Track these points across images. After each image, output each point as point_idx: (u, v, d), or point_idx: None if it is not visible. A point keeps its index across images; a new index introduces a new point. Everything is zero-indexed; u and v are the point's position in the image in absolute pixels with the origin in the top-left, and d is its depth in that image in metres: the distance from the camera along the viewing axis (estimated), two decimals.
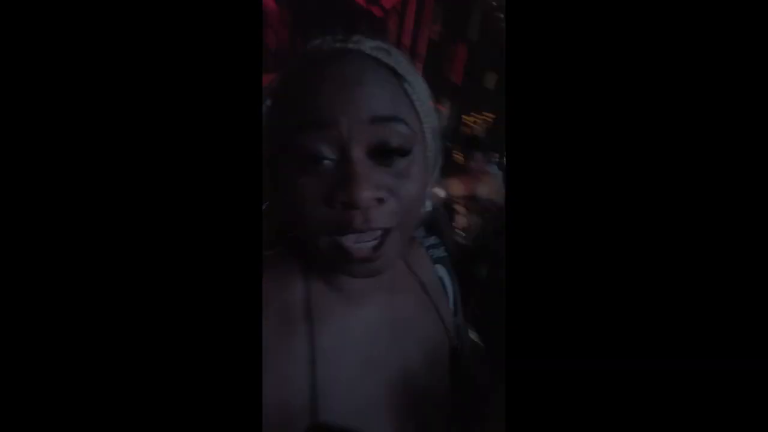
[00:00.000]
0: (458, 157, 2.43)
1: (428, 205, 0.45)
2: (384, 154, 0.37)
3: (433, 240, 0.61)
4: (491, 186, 2.16)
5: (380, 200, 0.37)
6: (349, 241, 0.38)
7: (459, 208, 2.11)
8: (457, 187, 2.14)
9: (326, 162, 0.37)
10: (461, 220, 2.09)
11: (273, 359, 0.41)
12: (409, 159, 0.38)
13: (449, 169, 2.20)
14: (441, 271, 0.59)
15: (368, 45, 0.39)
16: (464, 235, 2.02)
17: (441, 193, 2.04)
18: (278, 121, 0.39)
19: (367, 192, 0.35)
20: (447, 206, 2.07)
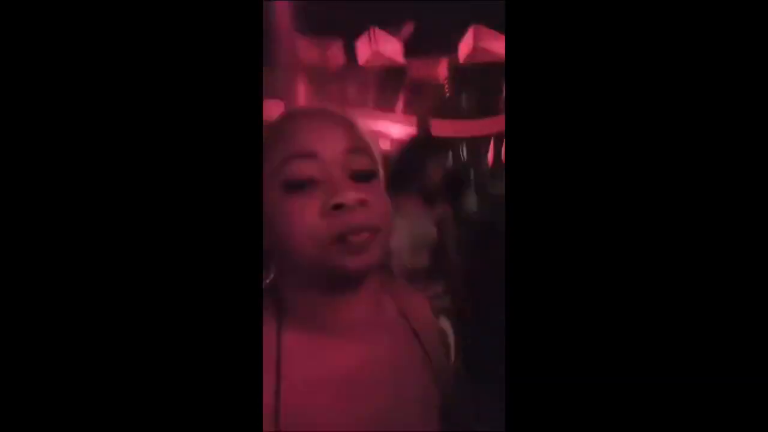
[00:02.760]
0: None
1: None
2: (356, 176, 0.46)
3: (437, 289, 0.63)
4: None
5: (363, 202, 0.44)
6: (346, 240, 0.43)
7: None
8: None
9: (312, 183, 0.45)
10: None
11: None
12: (376, 183, 0.48)
13: None
14: (445, 323, 0.62)
15: (332, 108, 0.51)
16: None
17: None
18: (269, 161, 0.47)
19: (353, 192, 0.43)
20: None
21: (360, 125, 0.51)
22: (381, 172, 0.51)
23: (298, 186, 0.44)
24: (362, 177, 0.46)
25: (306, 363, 0.46)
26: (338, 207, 0.43)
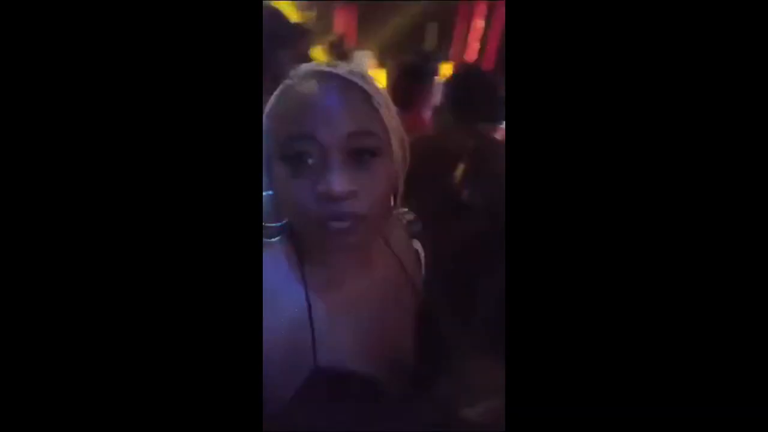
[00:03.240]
0: None
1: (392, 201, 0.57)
2: (357, 154, 0.48)
3: (411, 216, 0.71)
4: None
5: (353, 193, 0.47)
6: (331, 225, 0.48)
7: None
8: None
9: (311, 164, 0.47)
10: None
11: (281, 324, 0.53)
12: (378, 161, 0.49)
13: None
14: (417, 244, 0.71)
15: (345, 69, 0.50)
16: None
17: None
18: (273, 131, 0.50)
19: (342, 186, 0.46)
20: None
21: (375, 90, 0.50)
22: (394, 145, 0.52)
23: (297, 165, 0.47)
24: (363, 158, 0.48)
25: (325, 290, 0.57)
26: (325, 196, 0.46)
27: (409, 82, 1.97)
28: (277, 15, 1.72)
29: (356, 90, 0.48)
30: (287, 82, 0.51)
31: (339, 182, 0.45)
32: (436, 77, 1.90)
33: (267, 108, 0.51)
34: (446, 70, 2.47)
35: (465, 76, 1.68)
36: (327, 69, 0.49)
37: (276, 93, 0.51)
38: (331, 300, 0.57)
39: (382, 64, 3.14)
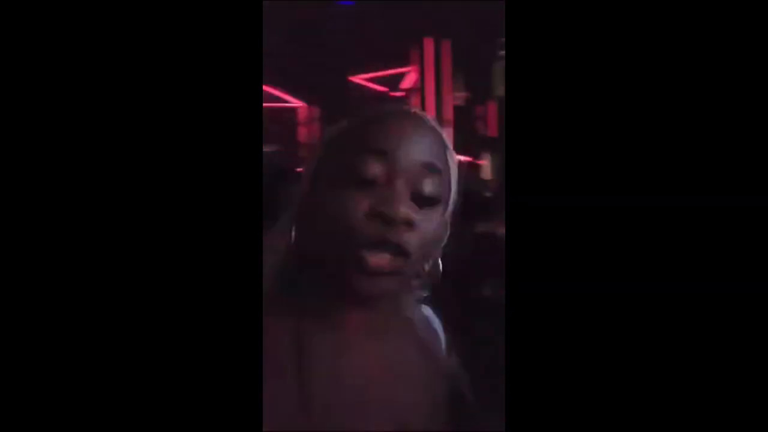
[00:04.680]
0: None
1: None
2: (419, 195, 0.45)
3: (416, 281, 0.59)
4: None
5: (410, 223, 0.44)
6: (370, 254, 0.43)
7: None
8: None
9: (375, 182, 0.44)
10: None
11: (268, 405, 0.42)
12: (435, 210, 0.47)
13: None
14: (426, 310, 0.61)
15: (430, 117, 0.52)
16: None
17: None
18: (341, 145, 0.48)
19: (405, 209, 0.43)
20: None
21: (448, 145, 0.51)
22: (449, 201, 0.50)
23: (358, 179, 0.44)
24: (425, 199, 0.46)
25: (325, 361, 0.47)
26: (382, 216, 0.43)
27: None
28: None
29: (428, 127, 0.49)
30: (367, 112, 0.51)
31: (403, 206, 0.43)
32: None
33: (338, 126, 0.50)
34: None
35: None
36: (413, 110, 0.52)
37: (352, 117, 0.50)
38: (333, 375, 0.47)
39: None
